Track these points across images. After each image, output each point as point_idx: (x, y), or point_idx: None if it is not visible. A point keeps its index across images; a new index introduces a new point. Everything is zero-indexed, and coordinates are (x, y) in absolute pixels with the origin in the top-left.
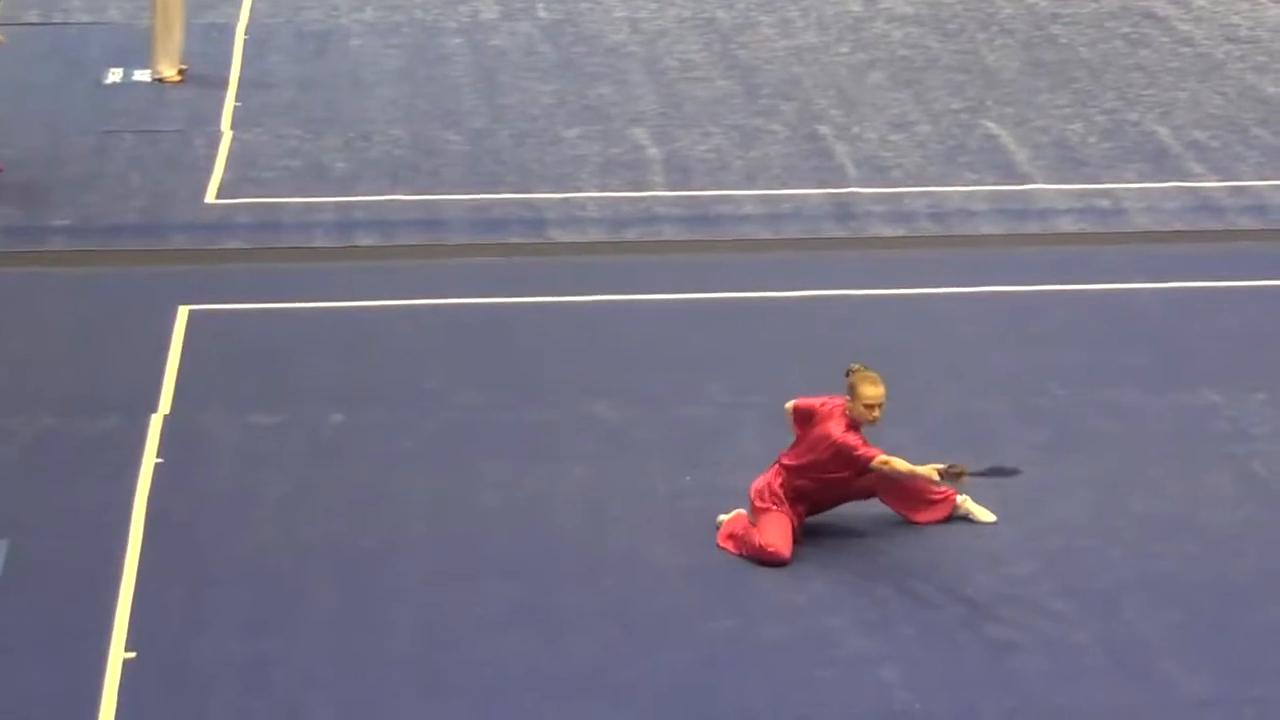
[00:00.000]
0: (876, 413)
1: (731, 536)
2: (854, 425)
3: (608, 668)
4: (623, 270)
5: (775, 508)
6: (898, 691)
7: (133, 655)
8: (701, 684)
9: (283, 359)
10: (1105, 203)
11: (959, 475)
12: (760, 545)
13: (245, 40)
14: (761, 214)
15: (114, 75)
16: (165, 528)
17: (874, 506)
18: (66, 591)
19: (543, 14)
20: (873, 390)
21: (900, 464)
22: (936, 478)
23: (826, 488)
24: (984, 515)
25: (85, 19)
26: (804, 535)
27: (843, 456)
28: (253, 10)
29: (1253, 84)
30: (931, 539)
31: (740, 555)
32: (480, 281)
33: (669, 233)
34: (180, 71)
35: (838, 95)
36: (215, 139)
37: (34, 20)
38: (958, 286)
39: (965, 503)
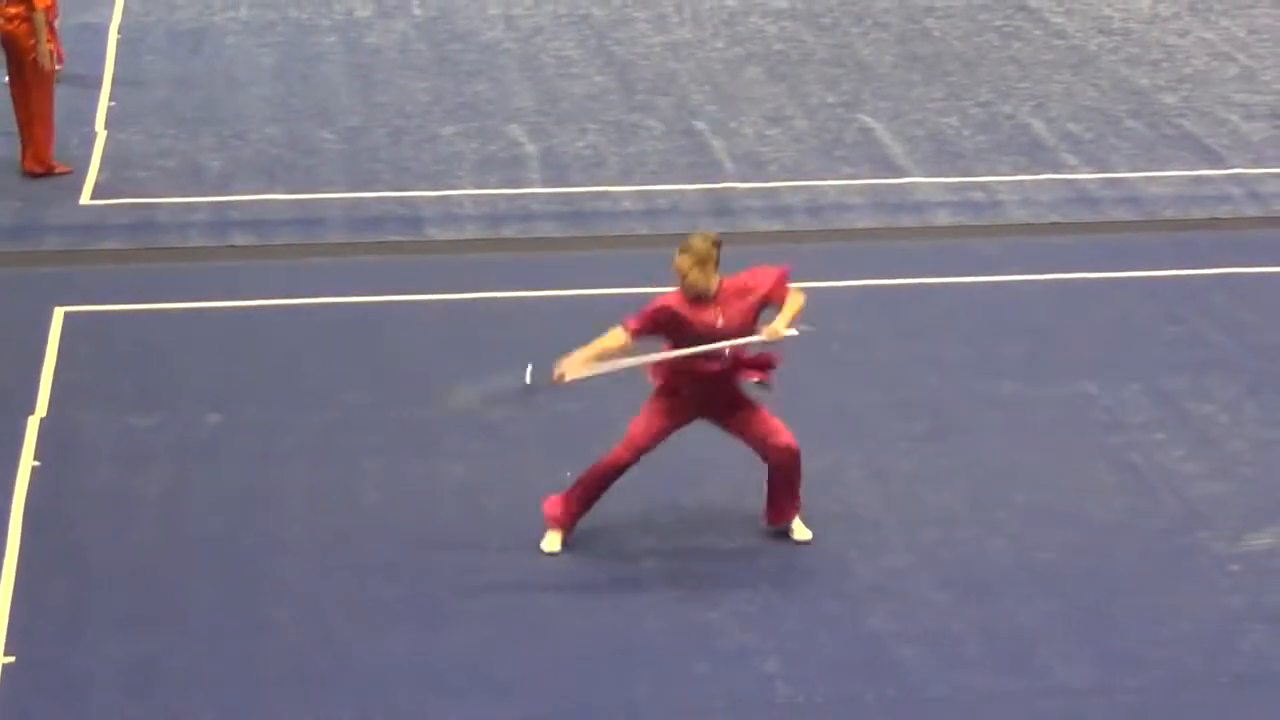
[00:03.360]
0: (693, 275)
1: (565, 499)
2: (697, 298)
3: (490, 662)
4: (500, 267)
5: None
6: (779, 684)
7: (11, 659)
8: (583, 678)
9: (160, 360)
10: (981, 195)
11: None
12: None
13: (119, 39)
14: (639, 210)
15: None
16: (44, 530)
17: (755, 500)
18: None
19: (417, 11)
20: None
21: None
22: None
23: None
24: (802, 534)
25: None
26: (684, 530)
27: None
28: (126, 9)
29: (1125, 76)
30: (811, 531)
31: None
32: (358, 280)
33: (546, 229)
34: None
35: (714, 90)
36: (90, 139)
37: None
38: (835, 280)
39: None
